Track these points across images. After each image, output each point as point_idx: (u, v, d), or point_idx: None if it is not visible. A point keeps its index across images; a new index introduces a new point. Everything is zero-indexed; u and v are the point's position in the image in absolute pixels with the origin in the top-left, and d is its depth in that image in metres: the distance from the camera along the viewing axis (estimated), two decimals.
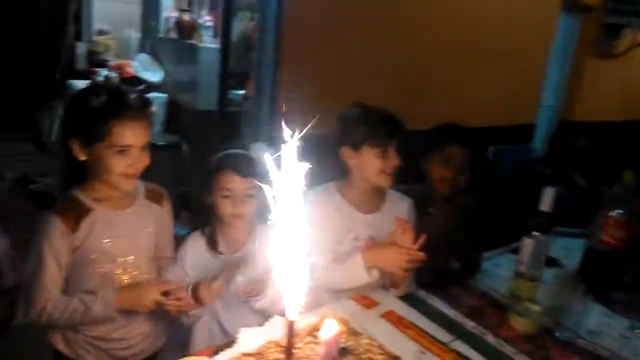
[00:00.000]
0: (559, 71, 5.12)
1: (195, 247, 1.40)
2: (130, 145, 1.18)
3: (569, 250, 1.99)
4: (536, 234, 1.49)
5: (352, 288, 1.45)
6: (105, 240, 1.24)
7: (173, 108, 3.93)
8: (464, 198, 1.79)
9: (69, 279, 1.25)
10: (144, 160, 1.23)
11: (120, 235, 1.27)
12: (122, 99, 1.19)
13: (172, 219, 1.45)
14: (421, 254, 1.36)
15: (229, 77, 3.75)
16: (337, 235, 1.49)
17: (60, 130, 1.35)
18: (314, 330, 1.13)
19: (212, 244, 1.40)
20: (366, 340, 1.12)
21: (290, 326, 0.99)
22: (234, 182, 1.32)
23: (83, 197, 1.23)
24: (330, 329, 1.03)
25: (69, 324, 1.24)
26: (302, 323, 1.14)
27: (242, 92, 3.88)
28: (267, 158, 1.30)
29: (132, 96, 1.21)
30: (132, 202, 1.31)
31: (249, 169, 1.33)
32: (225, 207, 1.34)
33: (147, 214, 1.34)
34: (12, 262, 1.32)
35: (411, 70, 3.28)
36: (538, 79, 4.55)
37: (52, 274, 1.19)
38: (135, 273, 1.30)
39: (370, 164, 1.46)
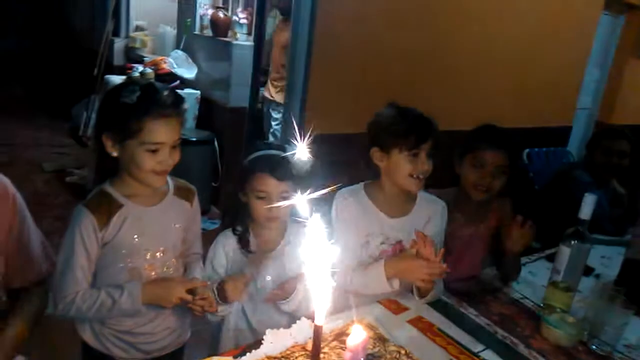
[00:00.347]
0: (597, 73, 4.98)
1: (226, 245, 1.40)
2: (161, 142, 1.19)
3: (607, 260, 1.93)
4: (574, 242, 1.44)
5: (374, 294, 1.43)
6: (135, 236, 1.26)
7: (206, 104, 3.97)
8: (500, 202, 1.72)
9: (98, 274, 1.27)
10: (175, 158, 1.24)
11: (149, 231, 1.28)
12: (154, 96, 1.19)
13: (200, 216, 1.45)
14: (443, 267, 1.31)
15: (261, 74, 3.78)
16: (363, 237, 1.46)
17: (95, 125, 1.36)
18: (340, 335, 1.12)
19: (244, 243, 1.39)
20: (393, 347, 1.10)
21: (317, 331, 0.98)
22: (270, 185, 1.30)
23: (114, 192, 1.25)
24: (357, 335, 1.01)
25: (97, 316, 1.26)
26: (329, 327, 1.13)
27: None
28: (302, 160, 1.32)
29: (165, 93, 1.21)
30: (161, 198, 1.32)
31: (286, 172, 1.31)
32: (260, 209, 1.32)
33: (176, 211, 1.35)
34: (46, 252, 1.34)
35: (446, 71, 3.24)
36: (576, 81, 4.43)
37: (82, 267, 1.22)
38: (162, 269, 1.31)
39: (399, 167, 1.42)
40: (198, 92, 3.95)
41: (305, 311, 1.28)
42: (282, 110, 3.46)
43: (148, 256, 1.29)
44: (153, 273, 1.30)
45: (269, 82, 4.03)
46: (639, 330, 1.46)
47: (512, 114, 3.52)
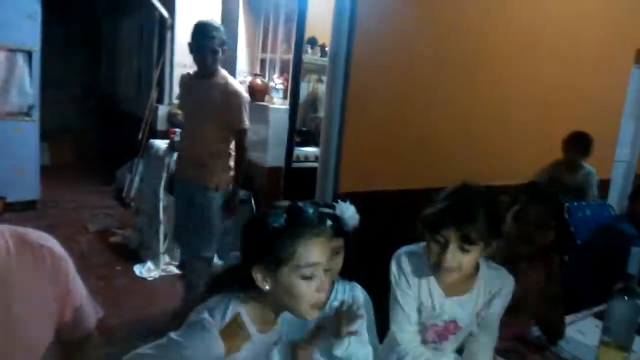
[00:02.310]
0: (633, 125, 4.94)
1: None
2: (316, 263, 1.10)
3: None
4: (624, 298, 1.40)
5: None
6: None
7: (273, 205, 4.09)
8: (547, 259, 1.68)
9: None
10: (329, 284, 1.18)
11: (258, 357, 1.18)
12: (302, 217, 1.11)
13: None
14: None
15: (296, 135, 3.91)
16: (416, 303, 1.39)
17: (241, 259, 1.23)
18: None
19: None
20: None
21: None
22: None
23: (248, 321, 1.13)
24: None
25: None
26: None
27: (307, 149, 4.02)
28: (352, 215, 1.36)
29: (311, 211, 1.13)
30: (276, 323, 1.21)
31: (338, 228, 1.34)
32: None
33: (278, 332, 1.24)
34: (92, 306, 1.33)
35: (481, 129, 3.27)
36: (612, 133, 4.40)
37: None
38: None
39: (430, 253, 1.30)
40: None
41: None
42: None
43: None
44: None
45: None
46: None
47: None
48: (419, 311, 1.40)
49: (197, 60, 2.80)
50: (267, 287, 1.09)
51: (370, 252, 2.01)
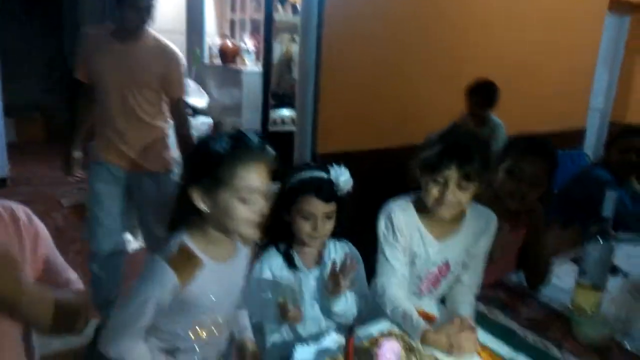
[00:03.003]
0: (607, 74, 4.98)
1: (272, 263, 1.40)
2: (254, 189, 1.13)
3: (634, 258, 1.90)
4: (598, 240, 1.43)
5: None
6: (211, 295, 1.19)
7: (218, 130, 4.04)
8: (531, 208, 1.69)
9: (160, 318, 1.18)
10: (266, 207, 1.17)
11: (218, 288, 1.21)
12: (244, 143, 1.14)
13: None
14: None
15: (271, 97, 3.85)
16: (409, 256, 1.42)
17: (180, 179, 1.24)
18: (372, 346, 1.12)
19: (289, 261, 1.41)
20: (425, 356, 1.10)
21: (350, 342, 0.99)
22: (317, 207, 1.33)
23: (195, 248, 1.17)
24: (389, 345, 1.02)
25: None
26: (361, 338, 1.13)
27: (284, 111, 3.97)
28: (344, 181, 1.35)
29: (254, 139, 1.16)
30: (237, 251, 1.26)
31: (331, 193, 1.34)
32: (304, 228, 1.35)
33: (244, 261, 1.30)
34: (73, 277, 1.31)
35: (456, 80, 3.25)
36: (586, 82, 4.42)
37: (144, 320, 1.14)
38: (222, 328, 1.27)
39: (427, 191, 1.35)
40: (210, 119, 4.03)
41: (351, 316, 1.32)
42: None
43: (213, 313, 1.23)
44: (212, 331, 1.24)
45: None
46: None
47: (525, 119, 3.52)
48: (413, 263, 1.43)
49: (123, 16, 2.14)
50: (205, 208, 1.13)
51: (351, 211, 2.01)
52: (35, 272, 1.16)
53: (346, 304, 1.34)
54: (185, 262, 1.14)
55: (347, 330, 1.02)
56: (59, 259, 1.22)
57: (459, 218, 1.43)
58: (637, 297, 1.32)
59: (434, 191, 1.33)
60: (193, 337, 1.22)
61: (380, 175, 2.54)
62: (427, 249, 1.42)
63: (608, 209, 1.44)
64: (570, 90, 4.12)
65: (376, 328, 1.29)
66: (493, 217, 1.47)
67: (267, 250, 1.43)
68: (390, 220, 1.41)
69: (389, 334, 1.16)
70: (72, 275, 1.24)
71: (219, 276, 1.20)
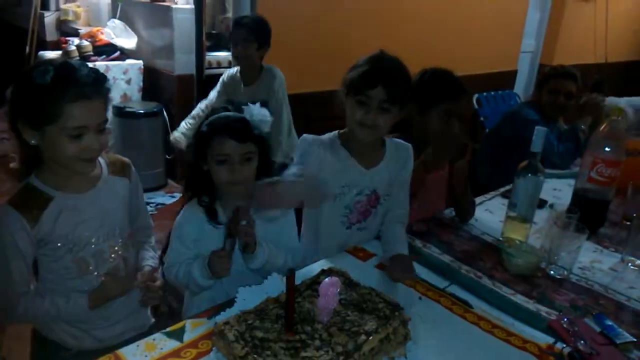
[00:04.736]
0: (538, 16, 5.10)
1: (193, 218, 1.30)
2: (83, 126, 1.09)
3: (558, 192, 2.02)
4: (528, 175, 1.49)
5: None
6: (73, 227, 1.18)
7: (150, 74, 3.82)
8: (456, 145, 1.73)
9: (45, 272, 1.20)
10: (102, 142, 1.14)
11: (88, 219, 1.20)
12: (72, 76, 1.07)
13: (142, 188, 1.38)
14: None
15: (206, 39, 3.66)
16: (338, 188, 1.44)
17: (8, 112, 1.18)
18: (312, 285, 1.13)
19: (211, 214, 1.30)
20: (365, 290, 1.13)
21: (290, 280, 0.99)
22: (231, 148, 1.22)
23: (41, 185, 1.15)
24: (329, 281, 1.03)
25: (43, 321, 1.23)
26: (300, 279, 1.14)
27: (219, 53, 3.80)
28: (262, 120, 1.27)
29: (84, 72, 1.09)
30: (95, 181, 1.23)
31: (246, 132, 1.23)
32: (222, 175, 1.24)
33: (114, 190, 1.27)
34: None
35: (389, 24, 3.22)
36: (518, 25, 4.52)
37: (20, 270, 1.15)
38: (110, 255, 1.25)
39: (351, 113, 1.38)
40: (140, 61, 3.79)
41: (271, 268, 1.26)
42: None
43: (93, 245, 1.22)
44: (100, 262, 1.24)
45: None
46: (591, 253, 1.57)
47: (458, 62, 3.56)
48: (343, 194, 1.45)
49: None
50: (33, 142, 1.10)
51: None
52: None
53: (263, 259, 1.26)
54: (29, 200, 1.13)
55: (288, 270, 1.02)
56: None
57: (380, 148, 1.49)
58: (561, 226, 1.40)
59: (359, 113, 1.36)
60: (81, 272, 1.21)
61: (322, 116, 2.52)
62: (358, 177, 1.45)
63: (537, 144, 1.49)
64: (502, 34, 4.21)
65: (317, 265, 1.30)
66: (409, 147, 1.53)
67: (189, 204, 1.32)
68: (307, 151, 1.41)
69: (329, 271, 1.17)
70: None
71: (78, 206, 1.18)
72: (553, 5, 5.10)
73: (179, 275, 1.27)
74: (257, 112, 1.27)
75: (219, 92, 2.69)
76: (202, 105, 2.70)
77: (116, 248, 1.26)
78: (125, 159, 1.33)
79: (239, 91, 2.60)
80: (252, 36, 2.47)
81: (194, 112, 2.71)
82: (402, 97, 1.36)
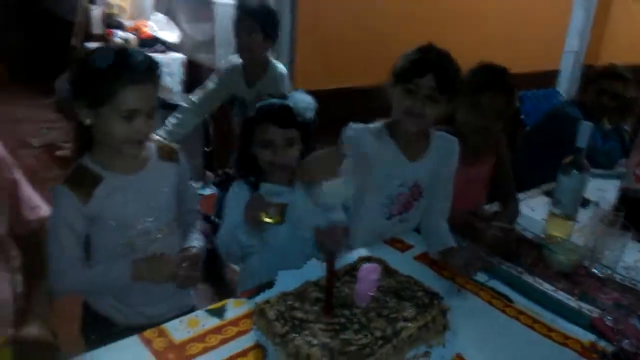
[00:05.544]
0: (583, 15, 4.94)
1: (240, 195, 1.37)
2: (135, 109, 1.14)
3: (603, 192, 1.96)
4: (572, 171, 1.46)
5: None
6: (122, 207, 1.22)
7: (192, 68, 3.90)
8: (495, 140, 1.71)
9: (95, 251, 1.24)
10: (151, 126, 1.20)
11: (135, 200, 1.24)
12: (128, 61, 1.13)
13: (189, 173, 1.42)
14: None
15: None
16: (381, 179, 1.43)
17: (69, 93, 1.24)
18: (351, 271, 1.13)
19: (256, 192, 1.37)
20: (403, 278, 1.13)
21: (331, 263, 1.00)
22: (274, 133, 1.30)
23: (92, 165, 1.20)
24: (368, 267, 1.04)
25: (90, 294, 1.29)
26: (340, 264, 1.15)
27: None
28: (305, 106, 1.31)
29: (139, 58, 1.15)
30: (144, 164, 1.27)
31: (289, 119, 1.30)
32: (265, 157, 1.32)
33: (162, 174, 1.31)
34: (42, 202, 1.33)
35: (434, 22, 3.18)
36: (562, 24, 4.41)
37: (70, 246, 1.19)
38: (158, 236, 1.28)
39: (398, 102, 1.37)
40: (183, 55, 3.87)
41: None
42: None
43: (139, 226, 1.25)
44: (148, 242, 1.27)
45: None
46: (636, 253, 1.51)
47: (499, 60, 3.50)
48: (385, 185, 1.44)
49: None
50: (88, 121, 1.15)
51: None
52: (8, 196, 1.20)
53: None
54: (80, 179, 1.18)
55: (328, 253, 1.03)
56: (28, 186, 1.27)
57: (425, 140, 1.47)
58: (606, 225, 1.36)
59: (406, 101, 1.34)
60: (128, 251, 1.24)
61: (360, 112, 2.52)
62: (402, 169, 1.44)
63: (582, 139, 1.46)
64: (545, 33, 4.11)
65: (355, 254, 1.31)
66: (455, 140, 1.51)
67: (237, 182, 1.40)
68: (354, 139, 1.39)
69: (368, 258, 1.18)
70: (40, 203, 1.30)
71: (127, 187, 1.22)
72: (599, 4, 4.94)
73: (231, 246, 1.33)
74: (300, 100, 1.32)
75: (217, 85, 2.42)
76: (194, 97, 2.50)
77: (163, 229, 1.30)
78: (174, 145, 1.38)
79: (241, 86, 2.34)
80: (257, 26, 2.17)
81: (181, 108, 2.50)
82: (451, 87, 1.35)
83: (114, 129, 1.14)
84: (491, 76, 1.63)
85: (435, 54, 1.37)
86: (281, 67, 2.36)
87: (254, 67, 2.30)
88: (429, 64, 1.33)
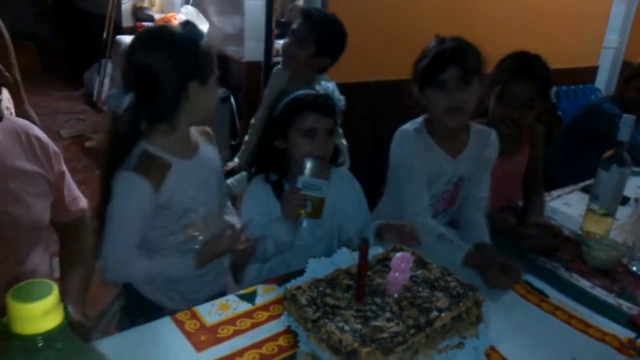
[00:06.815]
0: (623, 11, 4.80)
1: (261, 193, 1.34)
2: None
3: None
4: (612, 165, 1.41)
5: None
6: (188, 193, 1.20)
7: (220, 60, 3.91)
8: (532, 130, 1.67)
9: (153, 236, 1.21)
10: (218, 94, 1.28)
11: (197, 184, 1.22)
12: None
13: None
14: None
15: (275, 26, 3.70)
16: (427, 177, 1.41)
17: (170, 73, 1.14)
18: (383, 260, 1.11)
19: (279, 190, 1.34)
20: (436, 268, 1.10)
21: (363, 249, 0.98)
22: (318, 121, 1.27)
23: (158, 151, 1.16)
24: (401, 256, 1.01)
25: (147, 281, 1.26)
26: (371, 254, 1.13)
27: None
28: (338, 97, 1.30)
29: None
30: (196, 148, 1.26)
31: (330, 107, 1.28)
32: (304, 147, 1.27)
33: (211, 157, 1.30)
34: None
35: (472, 13, 3.12)
36: (601, 19, 4.29)
37: (134, 236, 1.17)
38: (211, 221, 1.27)
39: (433, 103, 1.35)
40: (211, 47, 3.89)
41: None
42: None
43: (201, 210, 1.24)
44: (205, 226, 1.26)
45: None
46: None
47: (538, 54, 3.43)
48: (431, 183, 1.42)
49: None
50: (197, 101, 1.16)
51: (356, 144, 1.97)
52: (55, 186, 1.24)
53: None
54: (151, 166, 1.14)
55: (361, 239, 1.01)
56: (69, 177, 1.31)
57: (465, 135, 1.45)
58: None
59: (441, 100, 1.33)
60: (187, 239, 1.23)
61: (389, 106, 2.50)
62: (446, 166, 1.42)
63: (624, 133, 1.41)
64: (584, 29, 4.00)
65: (385, 245, 1.28)
66: (492, 131, 1.49)
67: (256, 180, 1.36)
68: (402, 144, 1.40)
69: (400, 248, 1.16)
70: (79, 194, 1.35)
71: (189, 172, 1.20)
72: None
73: (266, 244, 1.30)
74: (332, 90, 1.31)
75: (267, 92, 2.19)
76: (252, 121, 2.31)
77: (216, 210, 1.30)
78: (207, 128, 1.36)
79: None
80: (311, 39, 1.87)
81: (247, 138, 2.30)
82: (477, 68, 1.33)
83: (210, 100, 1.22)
84: (520, 64, 1.57)
85: (447, 44, 1.35)
86: (330, 85, 2.14)
87: (298, 80, 1.94)
88: (445, 56, 1.32)
